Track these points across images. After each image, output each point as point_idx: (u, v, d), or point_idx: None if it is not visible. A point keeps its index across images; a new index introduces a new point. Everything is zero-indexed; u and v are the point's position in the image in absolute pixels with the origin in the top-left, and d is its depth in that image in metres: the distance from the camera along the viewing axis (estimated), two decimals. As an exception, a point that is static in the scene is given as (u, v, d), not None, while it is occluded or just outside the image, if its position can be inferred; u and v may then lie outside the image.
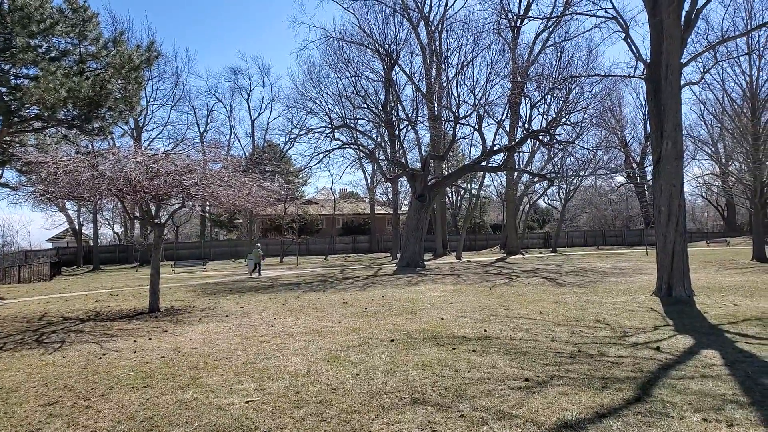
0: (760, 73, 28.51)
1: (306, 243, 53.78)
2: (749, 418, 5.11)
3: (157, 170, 12.83)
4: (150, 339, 10.06)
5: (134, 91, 16.76)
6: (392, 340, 9.21)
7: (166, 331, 10.91)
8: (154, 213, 14.95)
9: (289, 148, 53.05)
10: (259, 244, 32.37)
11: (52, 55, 16.05)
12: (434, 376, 6.85)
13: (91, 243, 52.80)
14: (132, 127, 49.30)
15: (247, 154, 58.34)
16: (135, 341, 9.86)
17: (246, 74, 68.99)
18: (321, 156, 33.72)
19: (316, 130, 33.89)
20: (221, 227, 67.14)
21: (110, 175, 12.27)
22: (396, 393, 6.18)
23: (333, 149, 34.20)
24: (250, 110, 73.13)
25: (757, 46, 27.79)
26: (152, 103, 52.69)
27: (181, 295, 18.64)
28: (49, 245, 65.40)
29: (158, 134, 54.04)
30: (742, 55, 28.09)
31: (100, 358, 8.51)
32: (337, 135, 34.20)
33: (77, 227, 52.95)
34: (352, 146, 35.94)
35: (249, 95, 64.83)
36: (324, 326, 10.94)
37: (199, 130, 59.27)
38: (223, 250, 55.24)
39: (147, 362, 8.08)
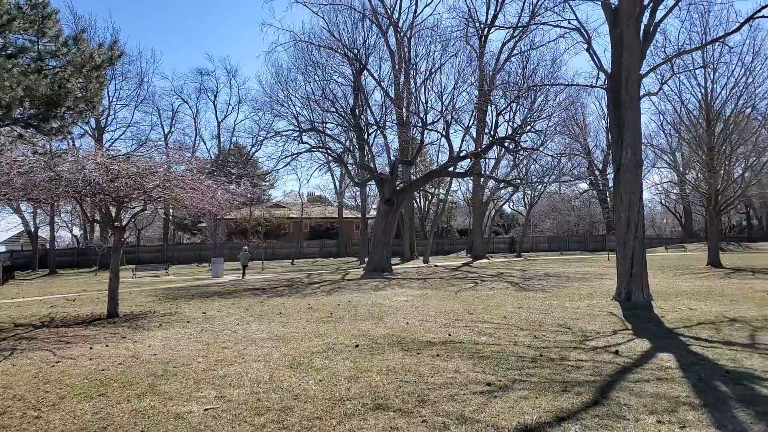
0: (714, 85, 29.56)
1: (272, 247, 53.24)
2: (701, 420, 5.26)
3: (117, 172, 12.51)
4: (107, 346, 9.78)
5: (95, 91, 16.33)
6: (357, 346, 9.18)
7: (125, 338, 10.63)
8: (114, 216, 14.58)
9: (256, 151, 52.33)
10: (246, 248, 32.58)
11: (9, 51, 15.53)
12: (398, 381, 6.84)
13: (48, 246, 51.16)
14: (93, 127, 48.16)
15: (212, 156, 57.60)
16: (91, 348, 9.57)
17: (213, 76, 68.33)
18: (288, 159, 33.42)
19: (283, 133, 33.62)
20: (185, 230, 65.97)
21: (68, 176, 11.90)
22: (359, 399, 6.15)
23: (300, 152, 33.96)
24: (216, 112, 72.22)
25: (711, 59, 28.77)
26: (115, 103, 51.61)
27: (142, 300, 18.22)
28: (2, 248, 63.15)
29: (121, 135, 53.12)
30: (697, 68, 29.05)
31: (53, 366, 8.23)
32: (304, 138, 33.99)
33: (33, 230, 51.28)
34: (320, 150, 35.79)
35: (216, 97, 64.07)
36: (288, 332, 10.82)
37: (164, 132, 58.31)
38: (186, 254, 54.27)
39: (103, 370, 7.85)
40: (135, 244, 57.76)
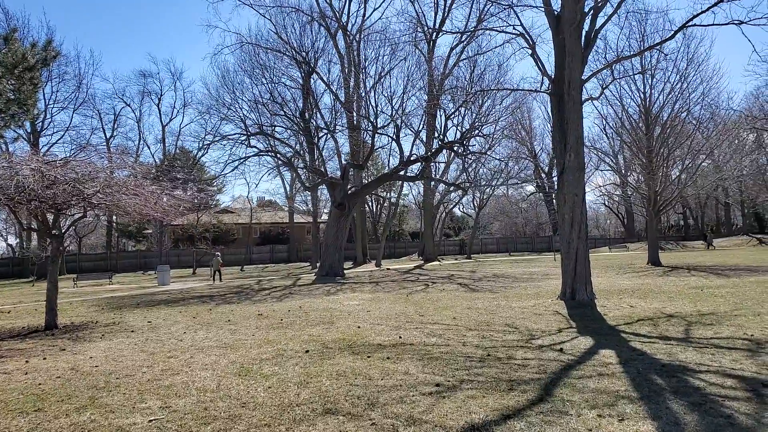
0: (652, 90, 30.84)
1: (221, 253, 52.17)
2: (638, 412, 5.47)
3: (54, 178, 12.00)
4: (45, 358, 9.36)
5: (29, 93, 15.58)
6: (307, 351, 9.11)
7: (64, 350, 10.20)
8: (51, 223, 13.97)
9: (203, 155, 51.06)
10: (218, 253, 33.43)
11: (-67, 51, 14.68)
12: (348, 385, 6.83)
13: (-19, 256, 48.51)
14: (28, 131, 45.95)
15: (157, 160, 56.02)
16: (27, 362, 9.13)
17: (156, 78, 66.16)
18: (236, 163, 32.84)
19: (230, 137, 33.01)
20: (129, 237, 63.84)
21: (0, 182, 11.34)
22: (308, 404, 6.10)
23: (249, 156, 33.43)
24: (161, 115, 69.58)
25: (649, 66, 30.06)
26: (52, 106, 49.19)
27: (83, 310, 17.52)
28: (-68, 259, 59.40)
29: (59, 139, 50.50)
30: (636, 74, 30.25)
31: (-14, 381, 7.81)
32: (253, 142, 33.52)
33: (-36, 239, 48.54)
34: (269, 154, 35.35)
35: (160, 100, 61.89)
36: (237, 339, 10.64)
37: (105, 136, 56.20)
38: (131, 261, 52.49)
39: (40, 384, 7.51)
40: (76, 252, 55.54)
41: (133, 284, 32.14)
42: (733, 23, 13.98)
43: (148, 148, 71.67)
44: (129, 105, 61.43)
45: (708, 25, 28.12)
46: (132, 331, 12.25)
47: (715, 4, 13.82)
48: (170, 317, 14.61)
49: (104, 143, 54.42)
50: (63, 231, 14.96)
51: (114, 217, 50.63)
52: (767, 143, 54.01)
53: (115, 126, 57.75)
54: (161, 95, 61.85)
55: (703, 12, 14.30)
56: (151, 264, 49.26)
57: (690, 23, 15.12)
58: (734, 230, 69.58)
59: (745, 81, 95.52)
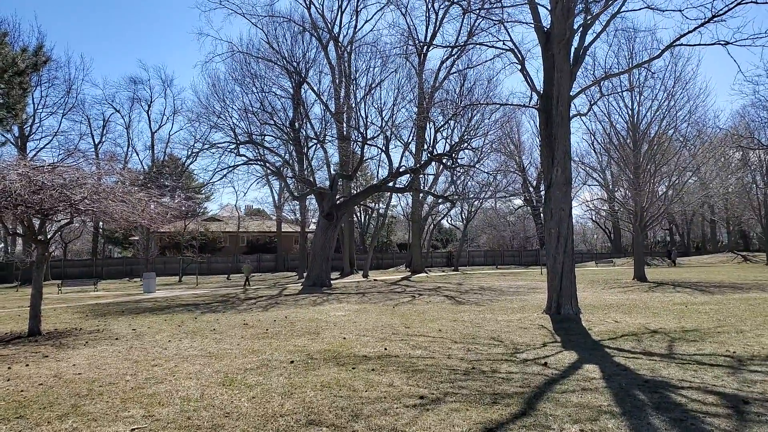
0: (640, 107, 31.26)
1: (207, 261, 51.86)
2: (620, 427, 5.53)
3: (42, 183, 11.92)
4: (27, 365, 9.26)
5: (18, 97, 15.50)
6: (292, 362, 9.09)
7: (47, 356, 10.10)
8: (37, 229, 13.85)
9: (191, 163, 50.84)
10: (248, 260, 36.07)
11: None
12: (332, 396, 6.83)
13: (-36, 260, 47.81)
14: (16, 135, 45.60)
15: (145, 167, 55.72)
16: (9, 368, 9.03)
17: (147, 85, 65.80)
18: (225, 171, 32.79)
19: (219, 145, 33.00)
20: (116, 244, 63.31)
21: (-14, 187, 11.24)
22: (292, 415, 6.09)
23: (237, 165, 33.41)
24: (150, 122, 69.08)
25: (637, 83, 30.47)
26: (40, 110, 48.87)
27: (67, 316, 17.33)
28: None
29: (47, 144, 50.12)
30: (624, 91, 30.67)
31: (-35, 388, 7.71)
32: (242, 150, 33.52)
33: (-53, 243, 47.86)
34: (258, 162, 35.34)
35: (150, 106, 61.56)
36: (221, 349, 10.59)
37: (94, 141, 55.87)
38: (117, 268, 52.07)
39: (22, 391, 7.43)
40: (61, 258, 54.94)
41: (118, 291, 31.86)
42: (719, 44, 14.23)
43: (137, 154, 71.56)
44: (118, 111, 61.28)
45: (695, 45, 28.53)
46: (116, 339, 12.15)
47: (702, 25, 14.07)
48: (155, 325, 14.50)
49: (93, 149, 54.14)
50: (49, 237, 14.86)
51: (101, 224, 50.23)
52: (753, 162, 54.89)
53: (104, 132, 57.48)
54: (151, 102, 61.61)
55: (689, 32, 14.55)
56: (137, 271, 48.87)
57: (677, 42, 15.38)
58: (720, 247, 70.38)
59: (731, 100, 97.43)
